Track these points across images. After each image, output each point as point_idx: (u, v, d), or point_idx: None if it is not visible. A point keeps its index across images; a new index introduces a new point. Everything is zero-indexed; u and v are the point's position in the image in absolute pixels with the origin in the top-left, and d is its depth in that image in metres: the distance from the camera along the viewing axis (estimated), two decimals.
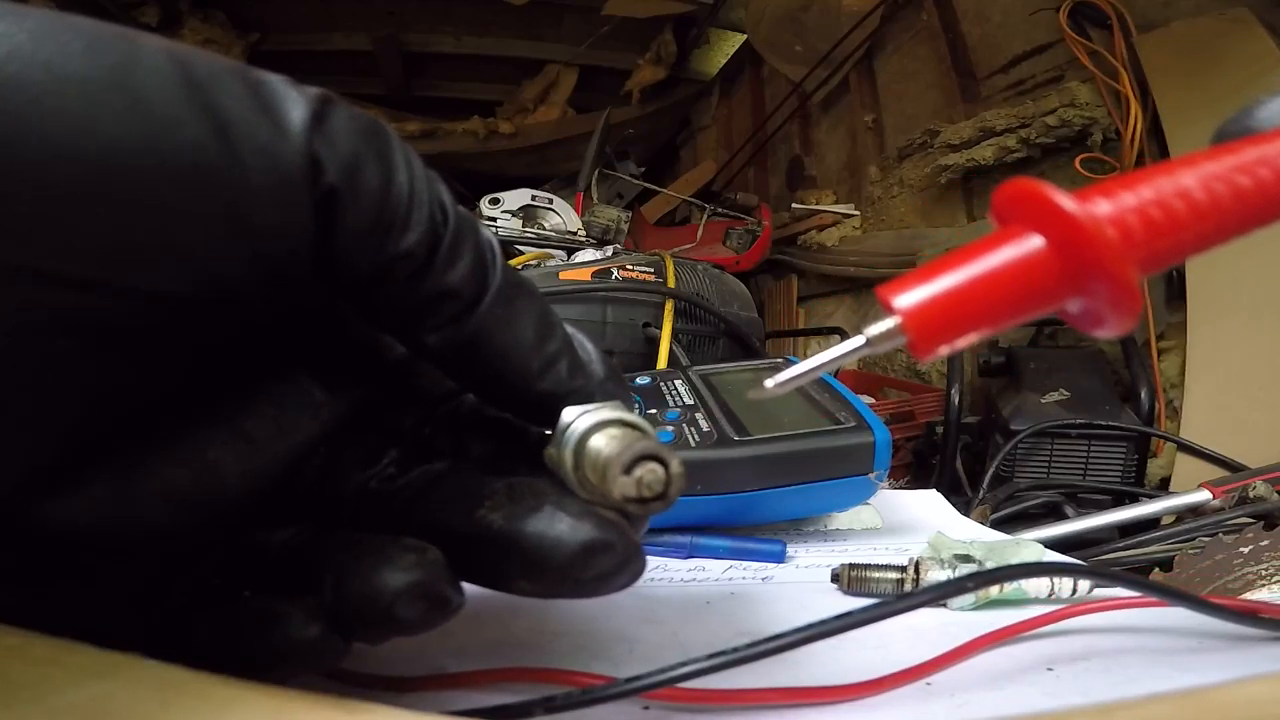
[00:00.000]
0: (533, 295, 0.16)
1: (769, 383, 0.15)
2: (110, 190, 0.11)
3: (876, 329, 0.13)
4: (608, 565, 0.15)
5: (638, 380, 0.40)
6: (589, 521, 0.14)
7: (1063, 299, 0.14)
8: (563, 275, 0.67)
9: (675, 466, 0.14)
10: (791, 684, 0.19)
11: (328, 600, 0.14)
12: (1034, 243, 0.13)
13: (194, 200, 0.12)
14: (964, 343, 0.14)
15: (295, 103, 0.13)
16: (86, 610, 0.14)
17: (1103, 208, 0.13)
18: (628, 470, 0.14)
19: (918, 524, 0.37)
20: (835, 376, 0.42)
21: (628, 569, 0.15)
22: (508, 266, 0.16)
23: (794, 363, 0.41)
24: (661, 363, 0.63)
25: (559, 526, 0.14)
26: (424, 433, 0.18)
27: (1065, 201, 0.13)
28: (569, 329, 0.17)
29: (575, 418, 0.15)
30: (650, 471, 0.14)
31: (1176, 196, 0.13)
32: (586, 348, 0.18)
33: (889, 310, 0.13)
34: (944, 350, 0.14)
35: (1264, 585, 0.34)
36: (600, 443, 0.15)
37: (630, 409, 0.16)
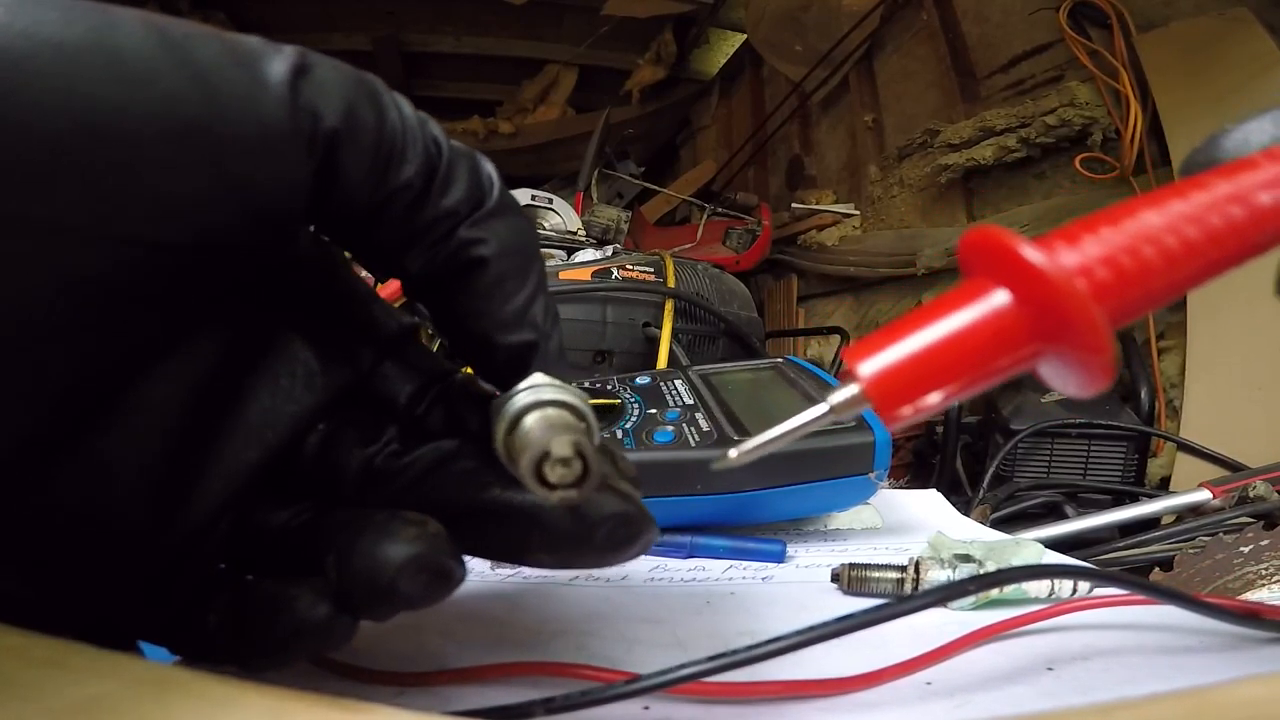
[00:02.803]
0: (524, 218, 0.16)
1: (731, 453, 0.14)
2: (95, 143, 0.11)
3: (839, 396, 0.13)
4: (626, 535, 0.15)
5: (638, 380, 0.40)
6: (610, 496, 0.15)
7: (1033, 358, 0.13)
8: (562, 275, 0.67)
9: (593, 465, 0.14)
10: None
11: (332, 579, 0.14)
12: (999, 299, 0.12)
13: (179, 151, 0.12)
14: (933, 407, 0.13)
15: (273, 57, 0.13)
16: (97, 598, 0.14)
17: (1069, 258, 0.12)
18: (539, 458, 0.14)
19: (918, 524, 0.37)
20: (835, 376, 0.42)
21: (643, 538, 0.15)
22: (508, 195, 0.16)
23: (795, 362, 0.40)
24: (661, 362, 0.63)
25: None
26: (419, 410, 0.18)
27: (1030, 253, 0.12)
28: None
29: (515, 393, 0.15)
30: (555, 468, 0.14)
31: (1146, 242, 0.12)
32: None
33: (853, 375, 0.13)
34: (912, 415, 0.13)
35: (1264, 585, 0.34)
36: (533, 421, 0.14)
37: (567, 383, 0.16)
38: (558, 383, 0.15)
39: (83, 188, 0.11)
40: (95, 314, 0.12)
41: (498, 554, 0.16)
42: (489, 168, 0.16)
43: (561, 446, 0.13)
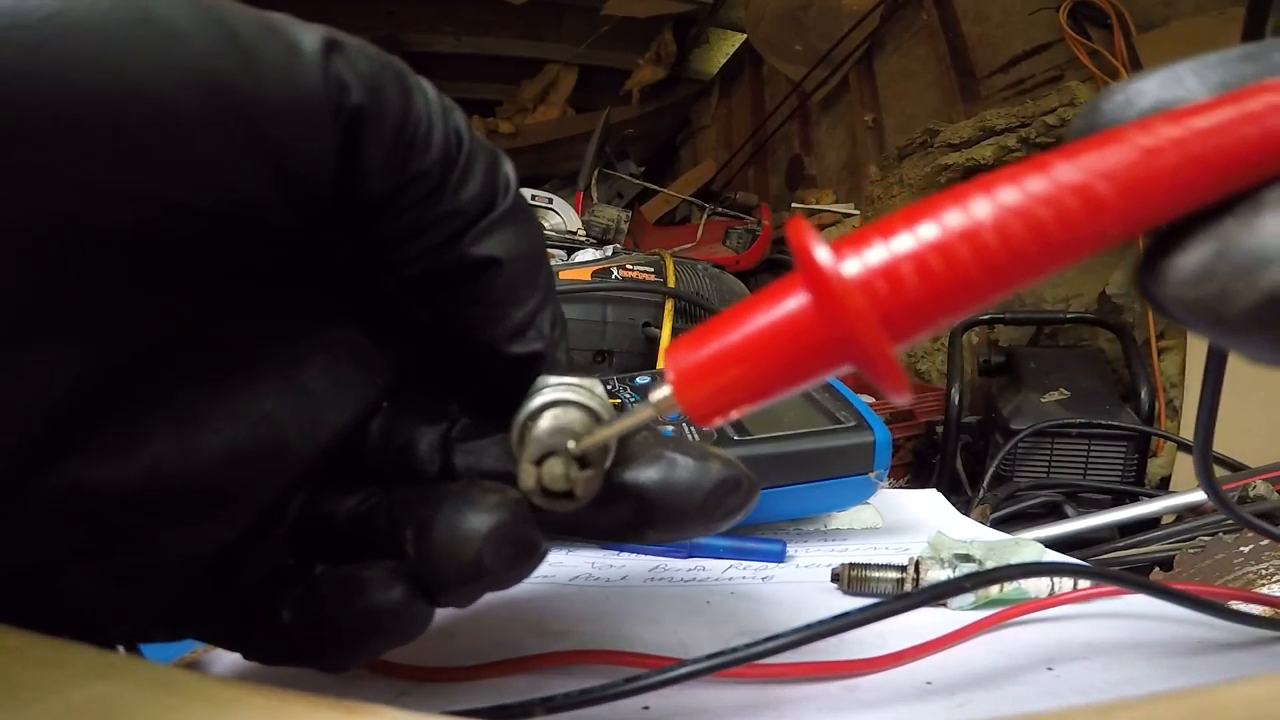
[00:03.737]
0: (534, 221, 0.16)
1: (570, 443, 0.13)
2: (126, 100, 0.11)
3: (657, 395, 0.12)
4: (736, 502, 0.15)
5: (638, 380, 0.40)
6: (714, 462, 0.15)
7: (835, 364, 0.11)
8: (563, 275, 0.67)
9: (584, 474, 0.13)
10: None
11: (410, 557, 0.14)
12: (799, 300, 0.11)
13: (212, 112, 0.12)
14: (742, 412, 0.12)
15: (305, 30, 0.13)
16: (166, 587, 0.14)
17: (852, 266, 0.10)
18: (536, 462, 0.13)
19: (918, 524, 0.37)
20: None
21: (750, 501, 0.15)
22: (520, 196, 0.16)
23: None
24: (661, 363, 0.63)
25: (682, 473, 0.15)
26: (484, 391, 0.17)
27: (821, 252, 0.10)
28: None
29: (539, 390, 0.15)
30: (548, 470, 0.13)
31: (961, 240, 0.10)
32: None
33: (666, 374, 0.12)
34: (723, 417, 0.12)
35: (1264, 584, 0.34)
36: (548, 422, 0.14)
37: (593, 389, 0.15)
38: (569, 381, 0.15)
39: (113, 146, 0.11)
40: (122, 277, 0.12)
41: (604, 534, 0.16)
42: (508, 168, 0.15)
43: (546, 452, 0.13)
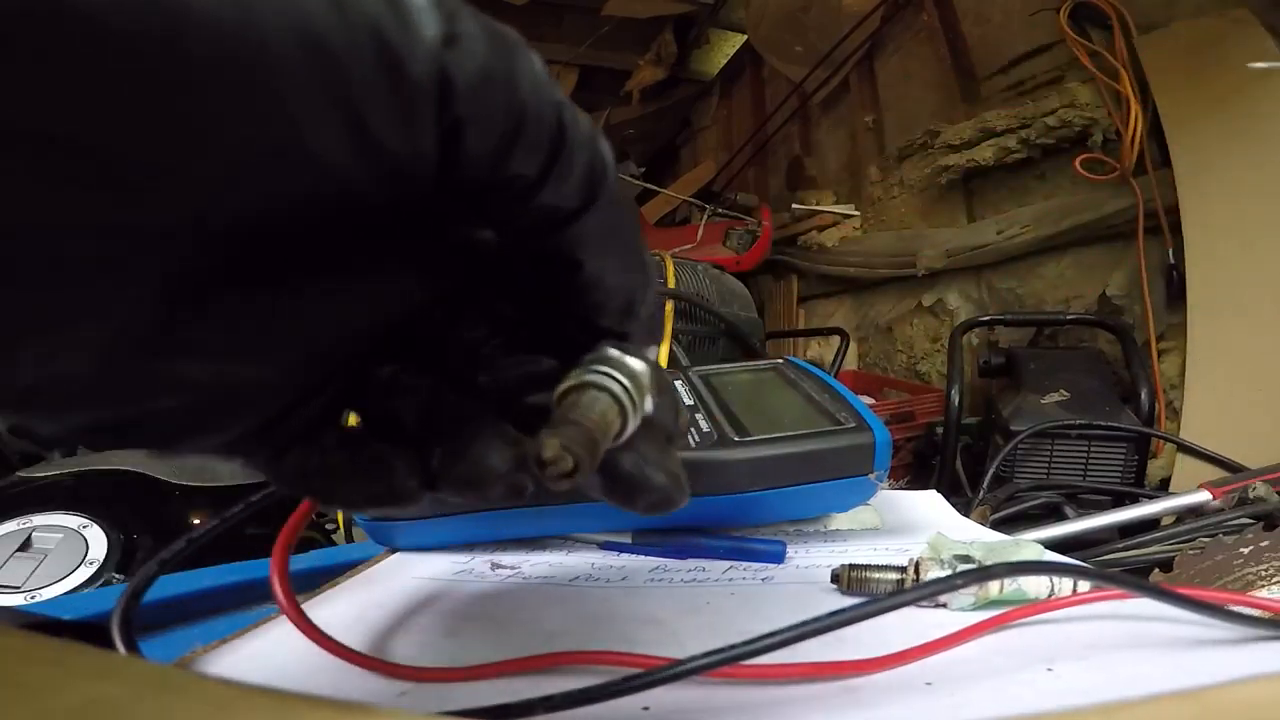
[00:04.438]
0: (631, 226, 0.17)
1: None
2: (265, 74, 0.11)
3: None
4: (657, 511, 0.17)
5: None
6: (660, 475, 0.17)
7: None
8: None
9: (583, 469, 0.14)
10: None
11: (435, 466, 0.17)
12: None
13: (328, 106, 0.12)
14: None
15: (429, 16, 0.12)
16: (225, 425, 0.16)
17: None
18: (550, 436, 0.14)
19: (918, 524, 0.37)
20: (835, 377, 0.42)
21: (674, 508, 0.17)
22: (615, 187, 0.16)
23: (795, 363, 0.41)
24: (661, 363, 0.63)
25: (641, 469, 0.17)
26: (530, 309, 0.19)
27: None
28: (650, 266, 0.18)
29: (591, 363, 0.16)
30: (560, 455, 0.14)
31: None
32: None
33: None
34: None
35: (1264, 586, 0.34)
36: (575, 408, 0.15)
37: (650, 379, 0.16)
38: (622, 367, 0.16)
39: (250, 116, 0.11)
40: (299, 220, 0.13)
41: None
42: (606, 154, 0.15)
43: (551, 448, 0.14)
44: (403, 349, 0.18)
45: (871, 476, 0.32)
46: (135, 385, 0.14)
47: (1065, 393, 0.90)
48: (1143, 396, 0.92)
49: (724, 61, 2.50)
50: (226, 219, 0.13)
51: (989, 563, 0.26)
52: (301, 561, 0.33)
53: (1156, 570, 0.39)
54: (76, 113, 0.10)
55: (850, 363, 1.64)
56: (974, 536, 0.34)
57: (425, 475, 0.17)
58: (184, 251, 0.13)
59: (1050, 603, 0.24)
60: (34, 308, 0.12)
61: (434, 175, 0.14)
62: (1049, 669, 0.21)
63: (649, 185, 2.14)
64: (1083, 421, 0.81)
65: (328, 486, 0.17)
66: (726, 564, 0.31)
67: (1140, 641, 0.23)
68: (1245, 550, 0.36)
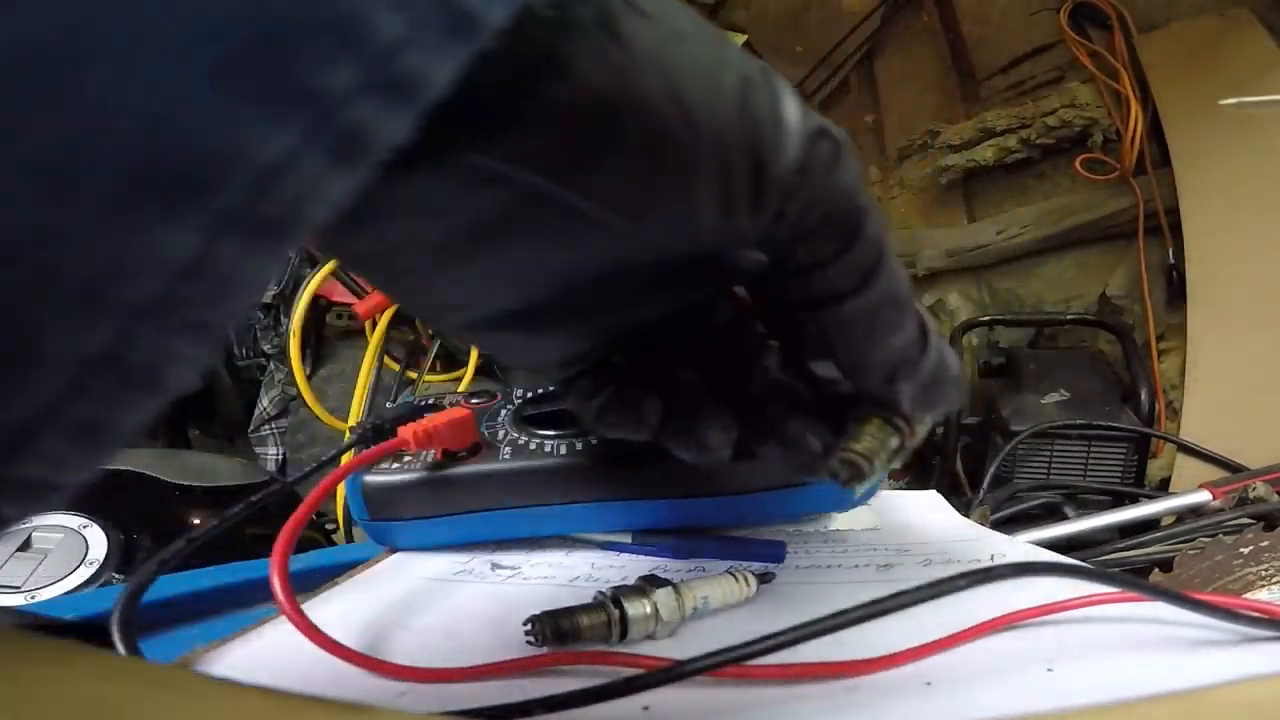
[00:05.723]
0: (904, 306, 0.19)
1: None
2: (703, 159, 0.15)
3: None
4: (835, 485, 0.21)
5: None
6: (843, 469, 0.21)
7: None
8: None
9: (879, 468, 0.20)
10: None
11: (760, 444, 0.22)
12: None
13: (732, 183, 0.16)
14: None
15: (795, 123, 0.16)
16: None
17: None
18: (851, 452, 0.20)
19: (917, 525, 0.37)
20: None
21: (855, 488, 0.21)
22: (891, 271, 0.18)
23: None
24: None
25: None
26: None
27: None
28: (936, 338, 0.20)
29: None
30: (847, 470, 0.20)
31: None
32: (946, 358, 0.20)
33: None
34: None
35: (1263, 586, 0.34)
36: (870, 430, 0.20)
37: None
38: (888, 429, 0.20)
39: (691, 193, 0.15)
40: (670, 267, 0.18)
41: (788, 457, 0.22)
42: (885, 240, 0.18)
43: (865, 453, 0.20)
44: (704, 346, 0.23)
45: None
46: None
47: (1065, 393, 0.90)
48: (1143, 396, 0.92)
49: None
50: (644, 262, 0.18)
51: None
52: (301, 561, 0.33)
53: (1156, 570, 0.39)
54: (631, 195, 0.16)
55: None
56: (975, 536, 0.34)
57: (744, 446, 0.22)
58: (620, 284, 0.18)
59: (1051, 605, 0.24)
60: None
61: (757, 241, 0.17)
62: (1049, 669, 0.21)
63: None
64: (1082, 422, 0.81)
65: (621, 420, 0.22)
66: (726, 564, 0.31)
67: (1140, 642, 0.23)
68: (1245, 550, 0.36)
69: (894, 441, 0.20)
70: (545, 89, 0.14)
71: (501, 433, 0.31)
